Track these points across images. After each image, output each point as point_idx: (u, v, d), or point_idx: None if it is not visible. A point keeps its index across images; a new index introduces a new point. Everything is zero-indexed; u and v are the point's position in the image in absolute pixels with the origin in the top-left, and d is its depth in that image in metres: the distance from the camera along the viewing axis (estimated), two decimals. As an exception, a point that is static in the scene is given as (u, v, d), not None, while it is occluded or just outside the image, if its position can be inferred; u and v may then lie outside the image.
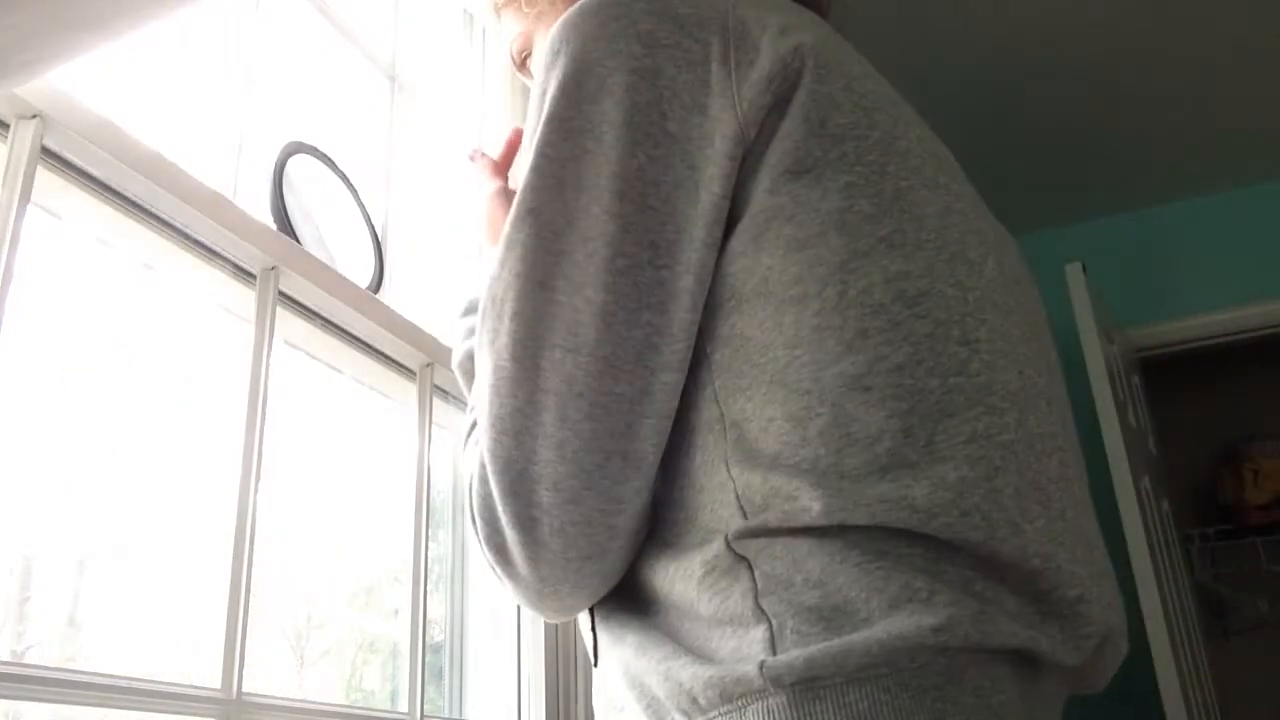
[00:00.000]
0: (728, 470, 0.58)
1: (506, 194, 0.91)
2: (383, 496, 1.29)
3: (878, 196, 0.59)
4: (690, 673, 0.55)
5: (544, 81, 0.64)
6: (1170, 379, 3.28)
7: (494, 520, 0.61)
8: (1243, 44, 2.44)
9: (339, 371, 1.23)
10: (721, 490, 0.58)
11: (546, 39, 0.66)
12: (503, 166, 0.97)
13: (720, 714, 0.53)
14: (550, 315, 0.59)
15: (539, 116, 0.63)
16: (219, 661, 0.88)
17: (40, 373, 0.88)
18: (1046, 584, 0.55)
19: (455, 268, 1.56)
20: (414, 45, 1.53)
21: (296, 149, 1.18)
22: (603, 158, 0.60)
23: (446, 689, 1.33)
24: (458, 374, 0.78)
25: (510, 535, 0.60)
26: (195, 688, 0.87)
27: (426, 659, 1.16)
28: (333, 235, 1.19)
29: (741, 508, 0.57)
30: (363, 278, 1.21)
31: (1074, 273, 2.46)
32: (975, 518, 0.53)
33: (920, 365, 0.56)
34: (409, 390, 1.26)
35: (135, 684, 0.82)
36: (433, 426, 1.25)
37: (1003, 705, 0.52)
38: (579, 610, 0.65)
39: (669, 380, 0.59)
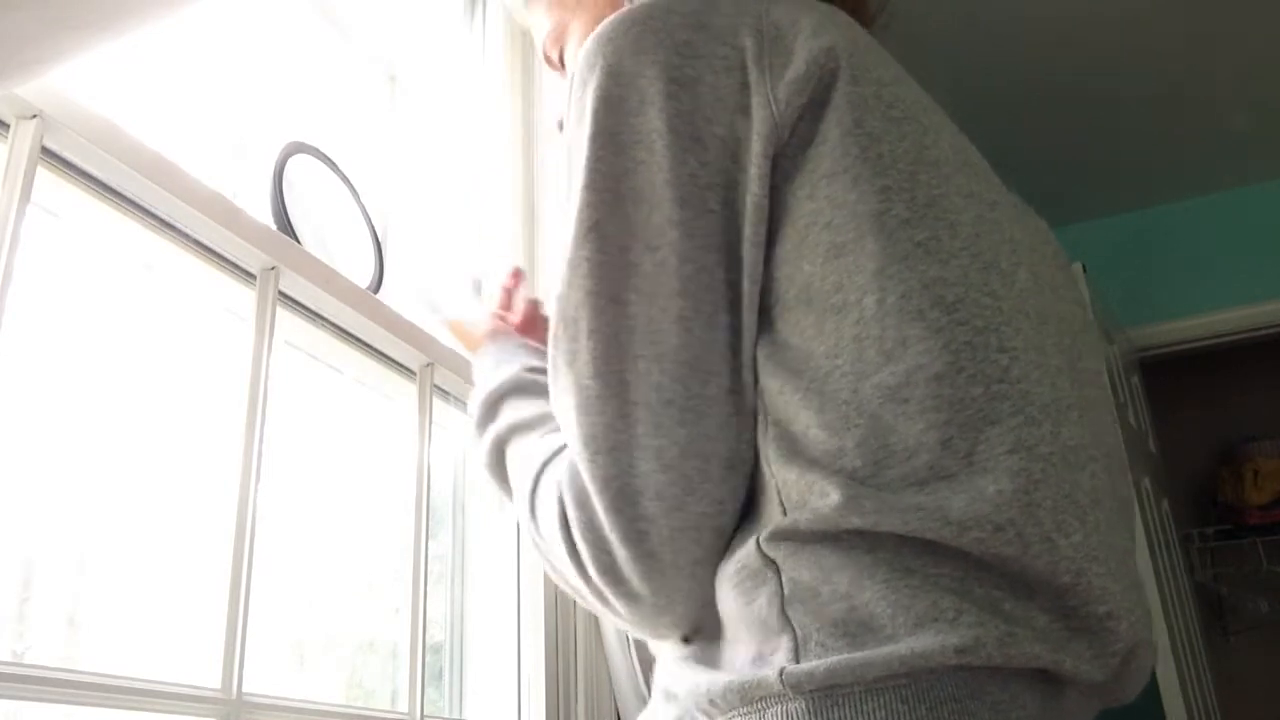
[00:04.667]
0: (770, 468, 0.58)
1: (493, 333, 0.96)
2: (383, 496, 1.29)
3: (912, 202, 0.59)
4: (709, 678, 0.56)
5: (581, 98, 0.64)
6: (1170, 379, 3.28)
7: (600, 541, 0.60)
8: (1243, 44, 2.44)
9: (339, 371, 1.23)
10: (763, 492, 0.58)
11: (580, 55, 0.66)
12: (522, 324, 1.01)
13: (739, 714, 0.54)
14: (628, 328, 0.59)
15: (580, 134, 0.63)
16: (219, 661, 0.88)
17: (40, 373, 0.88)
18: (1076, 599, 0.54)
19: (455, 268, 1.56)
20: (413, 44, 1.53)
21: (296, 149, 1.18)
22: (656, 167, 0.60)
23: (446, 689, 1.32)
24: (488, 473, 0.78)
25: (620, 552, 0.59)
26: (195, 688, 0.87)
27: (426, 659, 1.16)
28: (333, 235, 1.19)
29: (782, 504, 0.56)
30: (363, 278, 1.21)
31: (1074, 273, 2.46)
32: (1009, 533, 0.53)
33: (961, 373, 0.55)
34: (409, 390, 1.26)
35: (135, 684, 0.82)
36: (433, 426, 1.25)
37: (1020, 708, 0.52)
38: (691, 619, 0.64)
39: (750, 379, 0.60)
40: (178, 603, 0.97)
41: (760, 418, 0.59)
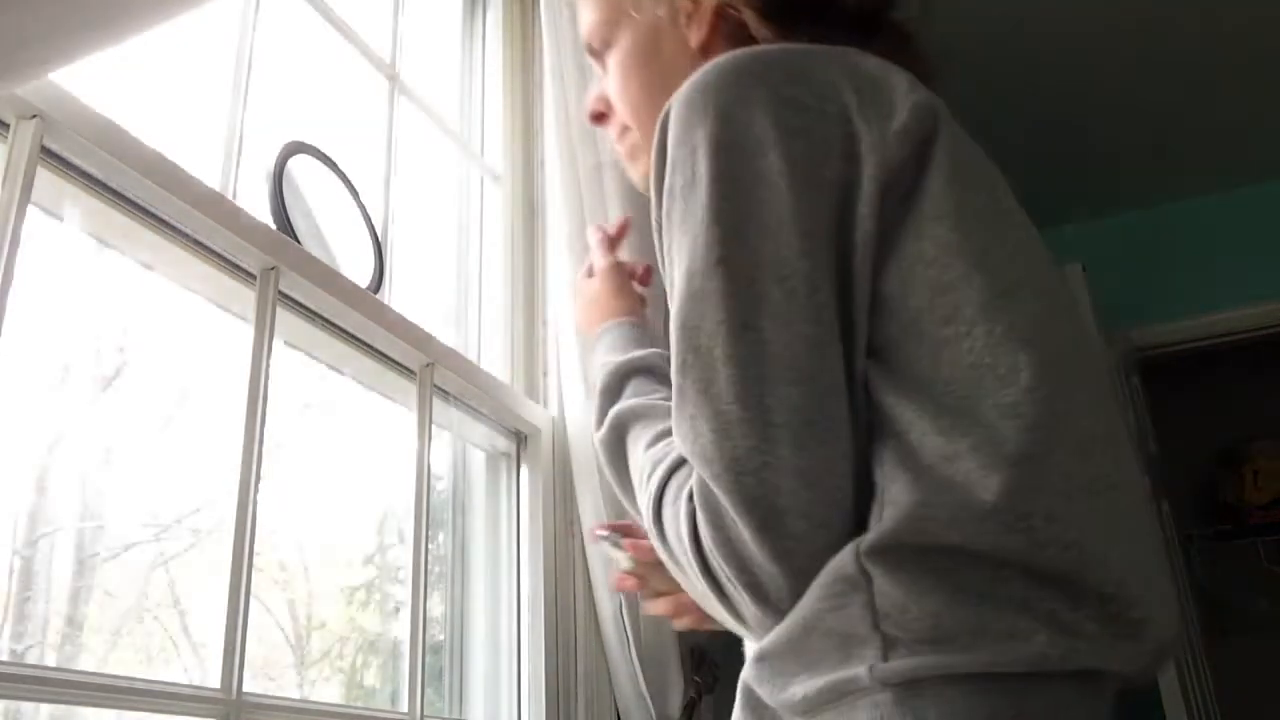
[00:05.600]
0: (883, 478, 0.62)
1: (618, 269, 1.00)
2: (383, 496, 1.29)
3: (1003, 247, 0.66)
4: (798, 685, 0.60)
5: (688, 140, 0.67)
6: (1170, 379, 3.28)
7: (743, 561, 0.61)
8: (1243, 44, 2.44)
9: (339, 371, 1.23)
10: (869, 501, 0.62)
11: (680, 100, 0.69)
12: (614, 245, 1.05)
13: (832, 710, 0.59)
14: (764, 355, 0.62)
15: (692, 174, 0.67)
16: (219, 661, 0.88)
17: (40, 373, 0.88)
18: (1118, 608, 0.60)
19: (455, 268, 1.56)
20: (414, 45, 1.53)
21: (296, 149, 1.18)
22: (780, 204, 0.65)
23: (446, 689, 1.33)
24: (600, 446, 0.80)
25: (768, 570, 0.61)
26: (195, 688, 0.87)
27: (426, 659, 1.16)
28: (333, 235, 1.19)
29: (886, 514, 0.60)
30: (363, 278, 1.21)
31: (1074, 273, 2.47)
32: (1074, 551, 0.59)
33: (1060, 396, 0.61)
34: (409, 390, 1.26)
35: (135, 684, 0.82)
36: (433, 426, 1.25)
37: (1070, 704, 0.60)
38: None
39: (862, 399, 0.65)
40: (177, 602, 0.97)
41: (876, 431, 0.63)
